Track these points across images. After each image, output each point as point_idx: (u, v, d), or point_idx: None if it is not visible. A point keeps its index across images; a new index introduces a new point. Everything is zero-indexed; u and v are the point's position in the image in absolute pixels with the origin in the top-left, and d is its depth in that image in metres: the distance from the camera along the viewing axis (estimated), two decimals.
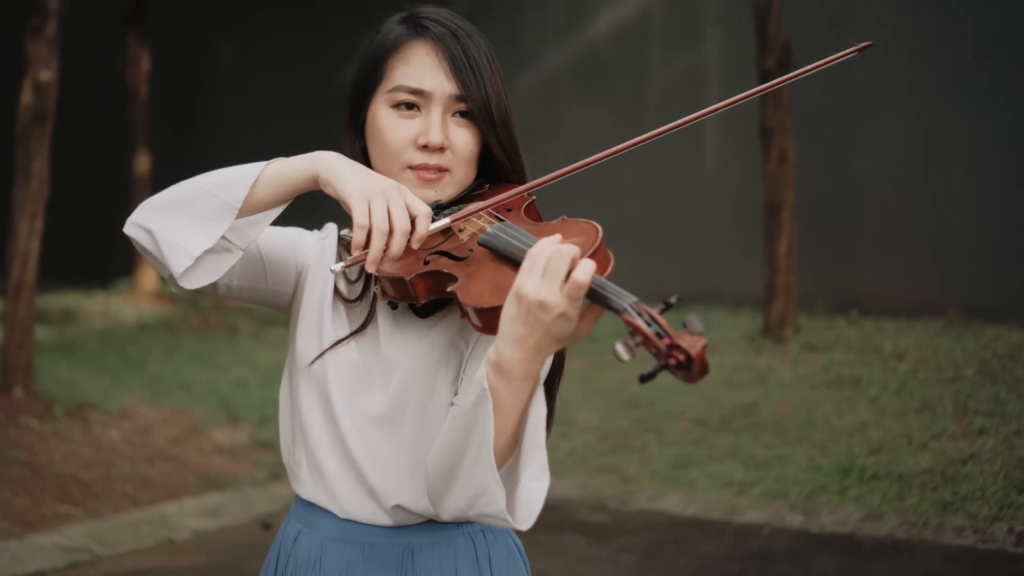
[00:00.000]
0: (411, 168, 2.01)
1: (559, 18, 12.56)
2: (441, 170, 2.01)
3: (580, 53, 12.39)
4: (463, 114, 2.02)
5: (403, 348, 2.02)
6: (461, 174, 2.03)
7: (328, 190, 1.88)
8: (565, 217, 1.91)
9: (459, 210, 1.92)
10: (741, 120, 9.94)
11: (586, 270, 1.65)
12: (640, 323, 1.61)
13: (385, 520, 2.04)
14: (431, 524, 2.06)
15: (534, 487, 1.78)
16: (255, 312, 11.73)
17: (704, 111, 2.04)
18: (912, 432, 6.92)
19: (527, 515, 1.78)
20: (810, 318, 9.94)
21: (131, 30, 12.61)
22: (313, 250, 2.15)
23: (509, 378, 1.72)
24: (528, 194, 2.00)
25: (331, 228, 2.21)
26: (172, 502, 6.22)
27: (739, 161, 11.13)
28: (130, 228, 1.97)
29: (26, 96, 7.43)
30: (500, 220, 1.94)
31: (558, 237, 1.71)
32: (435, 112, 2.00)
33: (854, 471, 6.44)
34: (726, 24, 11.36)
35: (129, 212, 2.05)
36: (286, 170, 1.92)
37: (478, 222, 1.95)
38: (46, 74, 7.45)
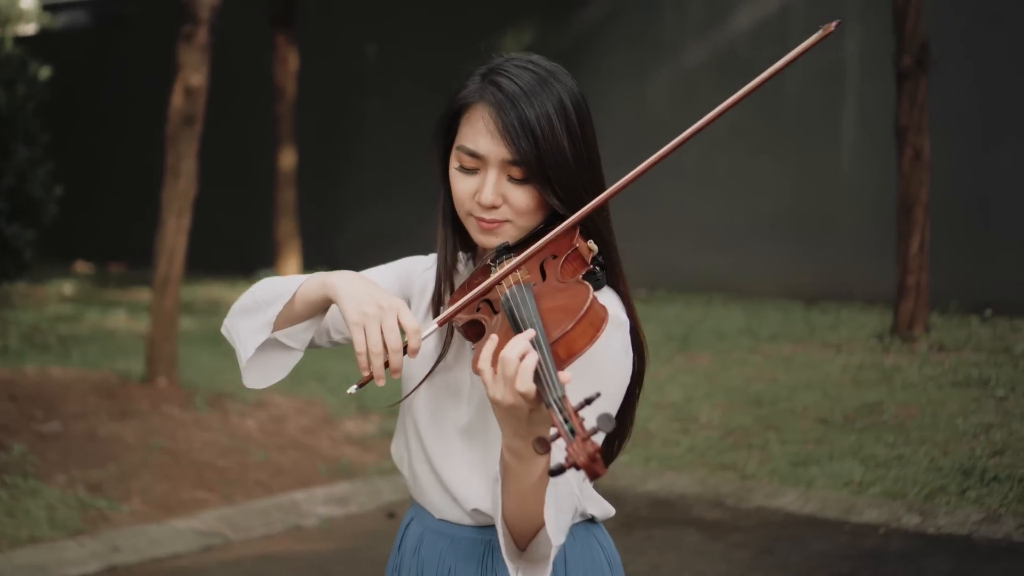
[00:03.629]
0: (472, 216, 2.18)
1: (698, 15, 12.58)
2: (496, 222, 2.16)
3: (719, 50, 12.40)
4: (518, 176, 2.15)
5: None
6: (522, 223, 2.17)
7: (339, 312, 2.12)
8: (582, 280, 2.00)
9: (445, 315, 2.04)
10: (879, 118, 9.88)
11: (523, 378, 1.78)
12: (557, 417, 1.71)
13: (468, 520, 2.24)
14: None
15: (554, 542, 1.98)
16: None
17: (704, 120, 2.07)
18: None
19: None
20: (942, 317, 9.84)
21: (280, 32, 13.04)
22: (418, 280, 2.35)
23: (522, 459, 1.90)
24: (581, 236, 2.10)
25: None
26: (302, 490, 6.48)
27: (876, 159, 11.05)
28: (224, 330, 2.32)
29: (177, 99, 7.80)
30: (518, 282, 2.03)
31: (530, 333, 1.82)
32: (490, 174, 2.14)
33: (975, 473, 6.41)
34: (865, 22, 11.26)
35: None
36: (310, 292, 2.15)
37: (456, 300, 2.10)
38: (196, 79, 7.81)
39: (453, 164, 2.19)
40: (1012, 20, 10.50)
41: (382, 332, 1.98)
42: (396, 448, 2.39)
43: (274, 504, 6.26)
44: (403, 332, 1.98)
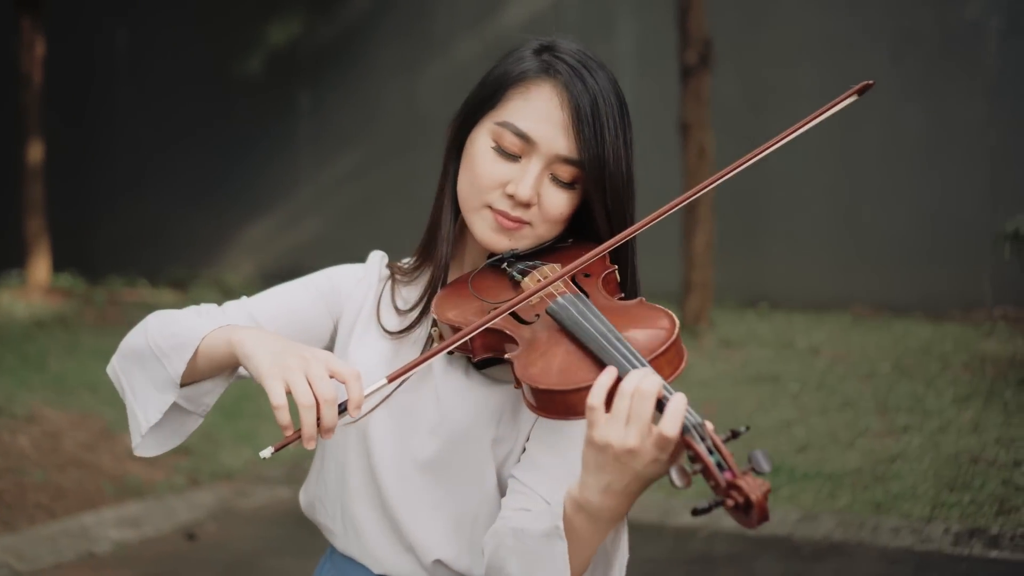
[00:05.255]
0: (490, 209, 1.86)
1: (470, 8, 12.40)
2: (521, 222, 1.86)
3: (491, 44, 12.25)
4: (565, 177, 1.85)
5: (457, 394, 1.88)
6: (543, 231, 1.88)
7: (249, 372, 1.74)
8: (643, 300, 1.77)
9: (399, 369, 1.74)
10: (661, 115, 9.91)
11: (674, 420, 1.50)
12: (702, 449, 1.48)
13: (423, 575, 1.90)
14: None
15: None
16: (157, 306, 11.37)
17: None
18: (837, 430, 6.93)
19: None
20: (721, 312, 9.95)
21: (25, 16, 12.18)
22: (353, 296, 2.01)
23: (596, 521, 1.61)
24: (610, 262, 1.86)
25: (374, 259, 2.07)
26: (89, 512, 5.96)
27: (657, 157, 11.10)
28: (111, 371, 1.92)
29: None
30: (578, 289, 1.80)
31: (633, 374, 1.55)
32: (534, 165, 1.83)
33: (784, 470, 6.42)
34: (640, 17, 11.30)
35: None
36: (214, 348, 1.79)
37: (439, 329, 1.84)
38: None
39: (485, 142, 1.85)
40: (785, 18, 10.70)
41: (308, 383, 1.63)
42: (312, 491, 2.01)
43: (61, 529, 5.72)
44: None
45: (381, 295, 2.00)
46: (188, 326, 1.83)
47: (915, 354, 8.47)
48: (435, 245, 1.95)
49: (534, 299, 1.77)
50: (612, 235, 1.84)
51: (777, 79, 10.70)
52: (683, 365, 1.64)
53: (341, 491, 1.94)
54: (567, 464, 1.79)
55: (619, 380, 1.56)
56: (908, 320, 9.70)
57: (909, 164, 10.18)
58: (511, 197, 1.84)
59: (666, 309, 1.71)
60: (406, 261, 2.05)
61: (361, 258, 2.10)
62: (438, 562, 1.89)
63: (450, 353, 1.85)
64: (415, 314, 1.95)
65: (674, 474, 1.49)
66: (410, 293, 2.00)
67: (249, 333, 1.75)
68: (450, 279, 1.95)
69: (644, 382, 1.53)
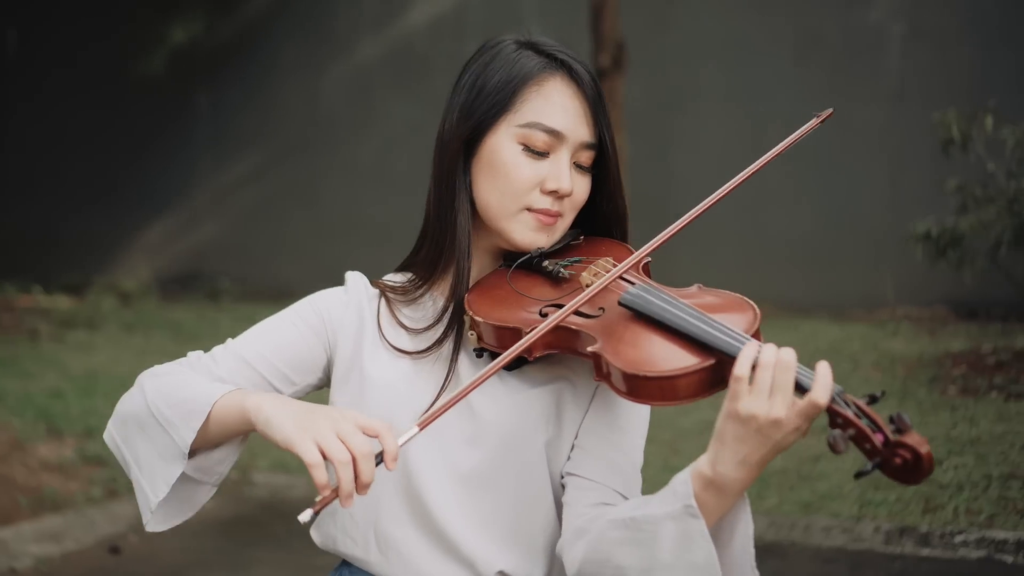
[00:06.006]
0: (531, 211, 1.86)
1: (373, 9, 12.31)
2: (558, 215, 1.89)
3: (395, 45, 12.17)
4: (586, 162, 1.90)
5: (496, 401, 1.85)
6: (569, 219, 1.92)
7: (270, 439, 1.68)
8: (701, 286, 1.82)
9: (430, 414, 1.69)
10: None
11: (824, 387, 1.55)
12: (850, 414, 1.53)
13: None
14: None
15: None
16: (53, 313, 11.13)
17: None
18: None
19: None
20: None
21: None
22: (346, 321, 1.94)
23: (724, 495, 1.62)
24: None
25: (353, 279, 2.00)
26: (6, 527, 5.76)
27: None
28: (108, 440, 1.85)
29: None
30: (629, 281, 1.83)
31: (770, 346, 1.60)
32: (563, 157, 1.86)
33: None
34: (547, 19, 11.31)
35: None
36: (226, 416, 1.74)
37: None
38: None
39: (512, 147, 1.85)
40: (690, 21, 10.79)
41: (340, 440, 1.59)
42: (330, 525, 1.92)
43: None
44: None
45: (379, 314, 1.95)
46: (194, 392, 1.77)
47: (825, 354, 8.53)
48: (446, 259, 1.91)
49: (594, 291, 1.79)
50: (619, 214, 1.95)
51: (683, 81, 10.78)
52: None
53: (374, 518, 1.88)
54: (628, 456, 1.87)
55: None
56: (813, 320, 9.83)
57: (813, 166, 10.32)
58: (552, 193, 1.86)
59: (738, 296, 1.77)
60: (391, 279, 2.00)
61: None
62: (501, 573, 1.85)
63: (479, 355, 1.86)
64: (439, 329, 1.90)
65: (836, 440, 1.52)
66: (414, 311, 1.95)
67: (265, 399, 1.70)
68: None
69: (783, 353, 1.58)
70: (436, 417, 1.66)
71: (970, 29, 10.06)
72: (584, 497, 1.82)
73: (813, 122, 1.90)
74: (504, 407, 1.85)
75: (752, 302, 1.73)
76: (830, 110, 1.91)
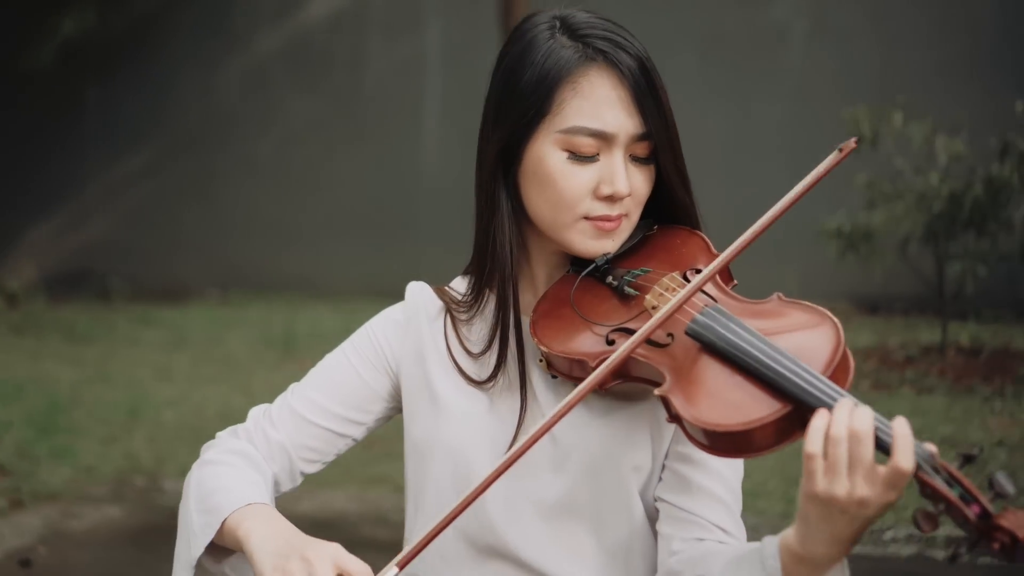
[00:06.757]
0: (588, 219, 1.70)
1: (271, 2, 12.10)
2: (620, 218, 1.72)
3: (293, 39, 11.97)
4: (642, 154, 1.73)
5: (578, 427, 1.70)
6: (635, 217, 1.75)
7: (253, 570, 1.62)
8: (781, 296, 1.62)
9: (510, 454, 1.56)
10: (472, 115, 9.79)
11: (907, 452, 1.37)
12: (939, 484, 1.35)
13: None
14: None
15: None
16: None
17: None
18: None
19: None
20: None
21: None
22: (409, 339, 1.83)
23: (815, 568, 1.47)
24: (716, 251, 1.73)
25: (413, 294, 1.86)
26: None
27: (460, 155, 11.02)
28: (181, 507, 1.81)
29: None
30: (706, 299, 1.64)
31: (842, 412, 1.40)
32: (617, 156, 1.69)
33: None
34: (449, 13, 11.20)
35: None
36: (231, 535, 1.67)
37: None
38: None
39: (556, 155, 1.68)
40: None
41: None
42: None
43: None
44: None
45: (447, 336, 1.81)
46: (218, 502, 1.70)
47: None
48: (489, 275, 1.78)
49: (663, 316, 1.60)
50: (688, 201, 1.78)
51: None
52: (852, 370, 1.49)
53: (443, 567, 1.77)
54: (722, 481, 1.70)
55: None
56: None
57: (715, 163, 10.36)
58: (608, 198, 1.69)
59: (812, 305, 1.57)
60: (456, 287, 1.86)
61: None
62: None
63: (554, 376, 1.71)
64: (492, 360, 1.76)
65: (920, 521, 1.35)
66: (472, 332, 1.80)
67: (255, 529, 1.62)
68: (522, 299, 1.77)
69: (856, 421, 1.39)
70: (415, 555, 1.54)
71: (873, 26, 10.19)
72: (680, 530, 1.69)
73: (837, 156, 1.66)
74: (588, 430, 1.71)
75: (834, 318, 1.53)
76: (853, 141, 1.67)
